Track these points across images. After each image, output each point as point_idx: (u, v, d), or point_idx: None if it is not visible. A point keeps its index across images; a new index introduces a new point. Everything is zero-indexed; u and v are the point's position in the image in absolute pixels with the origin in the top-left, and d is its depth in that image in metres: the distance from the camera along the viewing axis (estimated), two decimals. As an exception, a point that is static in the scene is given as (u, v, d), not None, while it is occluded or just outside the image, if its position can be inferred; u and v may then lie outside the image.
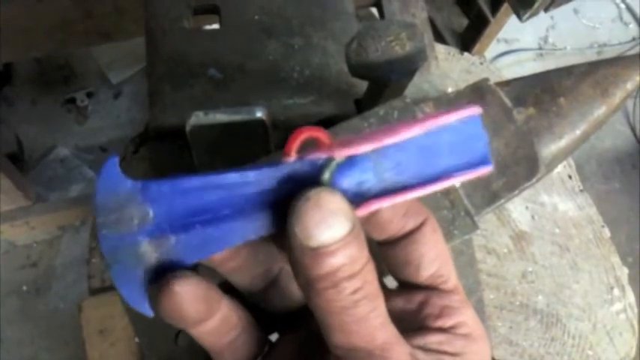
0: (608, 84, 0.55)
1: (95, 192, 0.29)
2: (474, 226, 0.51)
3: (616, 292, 0.80)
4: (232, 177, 0.29)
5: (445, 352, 0.31)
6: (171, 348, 0.44)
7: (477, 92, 0.53)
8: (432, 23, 0.80)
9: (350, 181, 0.29)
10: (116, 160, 0.29)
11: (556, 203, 0.82)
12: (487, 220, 0.79)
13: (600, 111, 0.54)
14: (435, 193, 0.51)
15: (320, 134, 0.29)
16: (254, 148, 0.60)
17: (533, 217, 0.80)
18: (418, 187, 0.29)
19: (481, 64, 0.88)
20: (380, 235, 0.33)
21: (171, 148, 0.69)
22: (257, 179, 0.29)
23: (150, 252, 0.29)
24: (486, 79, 0.54)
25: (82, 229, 1.71)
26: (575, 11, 2.31)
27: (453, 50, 0.90)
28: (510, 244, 0.78)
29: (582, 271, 0.80)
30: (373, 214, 0.31)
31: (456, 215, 0.50)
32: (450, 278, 0.33)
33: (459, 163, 0.30)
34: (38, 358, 1.58)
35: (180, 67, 0.71)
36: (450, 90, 0.77)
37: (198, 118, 0.58)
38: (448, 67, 0.86)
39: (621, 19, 2.37)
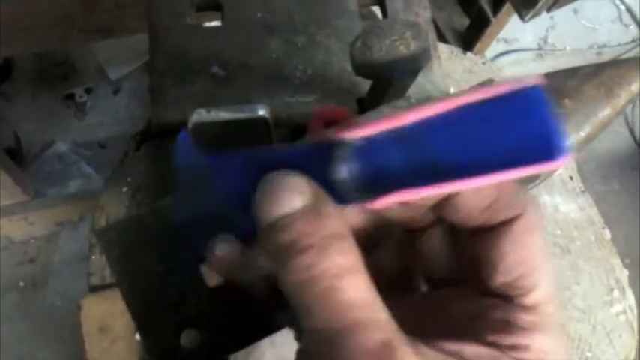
0: (613, 85, 0.54)
1: (175, 168, 0.32)
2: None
3: (616, 293, 0.80)
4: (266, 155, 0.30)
5: None
6: (173, 346, 0.44)
7: (482, 92, 0.53)
8: (434, 22, 0.79)
9: (368, 164, 0.27)
10: (187, 136, 0.32)
11: (557, 204, 0.82)
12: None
13: (605, 112, 0.54)
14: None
15: (339, 114, 0.28)
16: (256, 145, 0.60)
17: (534, 217, 0.80)
18: (460, 179, 0.25)
19: (483, 64, 0.88)
20: (457, 221, 0.30)
21: (172, 145, 0.69)
22: (290, 159, 0.29)
23: (225, 218, 0.32)
24: (491, 80, 0.53)
25: (80, 226, 1.71)
26: (575, 12, 2.31)
27: (456, 50, 0.89)
28: (511, 245, 0.78)
29: (582, 272, 0.80)
30: (448, 199, 0.29)
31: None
32: (534, 293, 0.28)
33: (514, 155, 0.24)
34: (35, 355, 1.58)
35: (183, 64, 0.71)
36: (452, 90, 0.76)
37: (201, 115, 0.58)
38: (450, 67, 0.86)
39: (621, 20, 2.38)
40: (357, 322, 0.25)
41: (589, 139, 0.54)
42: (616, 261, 0.82)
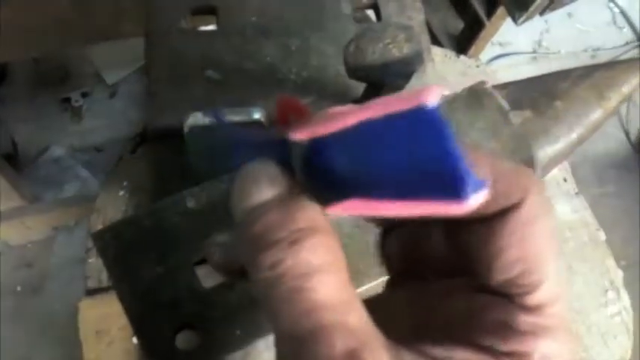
0: (604, 87, 0.55)
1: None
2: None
3: (611, 295, 0.80)
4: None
5: None
6: (170, 348, 0.44)
7: (474, 94, 0.53)
8: (428, 25, 0.80)
9: (312, 167, 0.24)
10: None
11: (551, 206, 0.83)
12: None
13: (596, 114, 0.54)
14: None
15: (295, 107, 0.27)
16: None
17: (528, 219, 0.80)
18: (388, 200, 0.21)
19: (477, 67, 0.89)
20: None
21: (168, 148, 0.69)
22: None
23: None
24: (483, 82, 0.54)
25: (76, 230, 1.71)
26: (569, 15, 2.32)
27: (450, 53, 0.90)
28: (505, 247, 0.78)
29: (577, 273, 0.80)
30: None
31: (453, 217, 0.51)
32: (538, 292, 0.24)
33: (426, 185, 0.20)
34: (32, 358, 1.57)
35: (179, 68, 0.71)
36: (445, 92, 0.77)
37: (197, 119, 0.58)
38: (444, 70, 0.86)
39: (615, 23, 2.38)
40: (323, 327, 0.23)
41: (580, 141, 0.55)
42: (610, 262, 0.83)
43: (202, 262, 0.45)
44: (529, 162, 0.51)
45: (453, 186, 0.19)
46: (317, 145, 0.23)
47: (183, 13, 0.73)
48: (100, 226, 0.68)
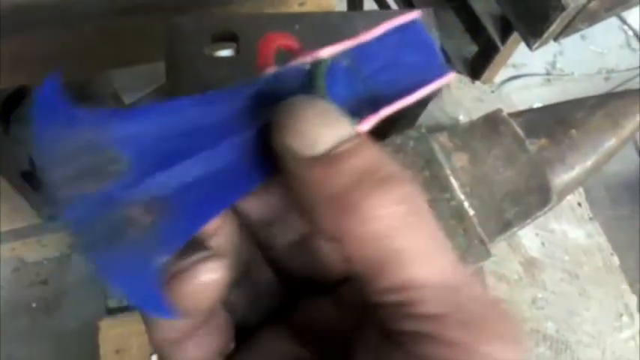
0: (619, 116, 0.56)
1: (36, 136, 0.20)
2: (487, 254, 0.52)
3: (625, 319, 0.80)
4: (216, 98, 0.24)
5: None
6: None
7: (491, 122, 0.54)
8: (443, 51, 0.81)
9: (343, 89, 0.25)
10: (56, 84, 0.20)
11: (566, 230, 0.83)
12: (498, 246, 0.79)
13: (611, 142, 0.55)
14: (448, 222, 0.53)
15: (291, 41, 0.28)
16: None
17: (543, 243, 0.81)
18: (395, 100, 0.26)
19: (492, 92, 0.90)
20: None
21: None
22: (239, 100, 0.24)
23: (140, 218, 0.20)
24: (500, 110, 0.55)
25: (93, 248, 1.72)
26: (583, 37, 2.33)
27: (465, 79, 0.91)
28: (521, 271, 0.79)
29: (591, 298, 0.80)
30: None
31: (470, 243, 0.52)
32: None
33: (419, 77, 0.26)
34: (47, 376, 1.59)
35: (200, 92, 0.72)
36: (461, 117, 0.78)
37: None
38: (460, 95, 0.87)
39: (629, 45, 2.39)
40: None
41: (595, 168, 0.55)
42: (625, 287, 0.83)
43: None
44: (545, 189, 0.52)
45: (441, 67, 0.27)
46: (333, 64, 0.26)
47: (204, 40, 0.75)
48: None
